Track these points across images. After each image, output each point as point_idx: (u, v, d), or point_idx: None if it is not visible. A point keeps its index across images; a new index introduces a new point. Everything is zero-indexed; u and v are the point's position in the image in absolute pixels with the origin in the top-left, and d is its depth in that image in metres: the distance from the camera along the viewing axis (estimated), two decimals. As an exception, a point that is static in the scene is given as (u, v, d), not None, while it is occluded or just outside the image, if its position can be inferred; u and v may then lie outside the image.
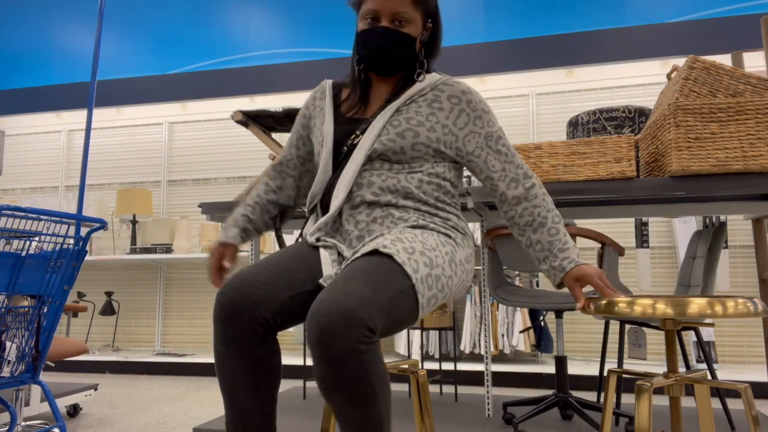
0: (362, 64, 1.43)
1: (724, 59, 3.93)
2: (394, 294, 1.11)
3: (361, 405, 1.05)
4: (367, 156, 1.34)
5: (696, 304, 1.19)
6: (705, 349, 2.34)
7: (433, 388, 3.38)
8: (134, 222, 4.74)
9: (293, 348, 4.64)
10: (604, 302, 1.29)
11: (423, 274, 1.17)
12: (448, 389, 3.48)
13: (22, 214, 1.78)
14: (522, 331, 3.81)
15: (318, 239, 1.35)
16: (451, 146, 1.38)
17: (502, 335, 3.83)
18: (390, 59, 1.39)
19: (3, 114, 5.18)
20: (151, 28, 4.98)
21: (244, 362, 1.18)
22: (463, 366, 3.81)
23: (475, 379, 3.77)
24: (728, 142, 1.91)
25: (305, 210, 1.48)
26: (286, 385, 3.76)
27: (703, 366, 3.62)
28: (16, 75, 5.28)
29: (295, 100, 4.87)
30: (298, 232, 1.50)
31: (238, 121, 2.78)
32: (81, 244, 2.02)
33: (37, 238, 1.89)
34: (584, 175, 2.14)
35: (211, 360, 4.22)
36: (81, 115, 5.33)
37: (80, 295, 4.90)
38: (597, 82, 4.29)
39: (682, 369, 3.63)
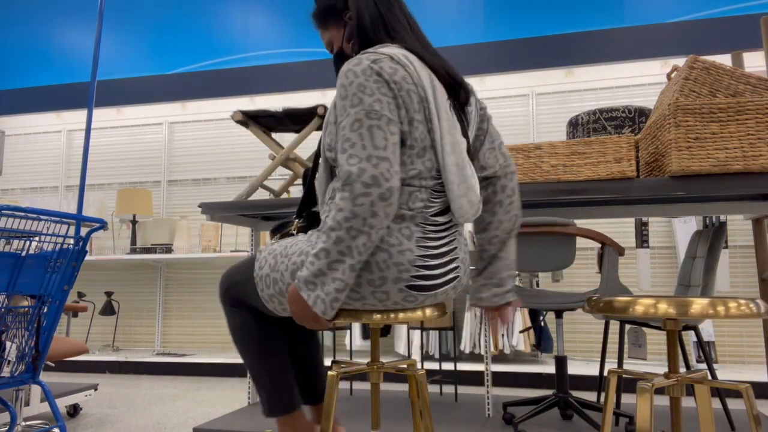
0: None
1: (724, 59, 3.93)
2: (243, 279, 1.43)
3: (236, 347, 1.51)
4: (324, 167, 1.41)
5: (698, 305, 1.19)
6: (705, 349, 2.34)
7: (433, 388, 3.37)
8: (134, 222, 4.73)
9: (293, 348, 4.64)
10: (605, 302, 1.29)
11: (264, 273, 1.36)
12: (448, 389, 3.48)
13: (22, 214, 1.78)
14: (522, 331, 3.81)
15: None
16: (335, 144, 1.32)
17: (502, 335, 3.83)
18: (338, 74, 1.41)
19: (3, 114, 5.18)
20: (151, 28, 4.98)
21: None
22: (463, 366, 3.81)
23: (475, 379, 3.77)
24: (728, 142, 1.91)
25: None
26: (286, 385, 3.75)
27: (703, 366, 3.62)
28: (16, 75, 5.28)
29: (295, 100, 4.86)
30: None
31: (238, 121, 2.78)
32: (81, 244, 2.02)
33: (37, 238, 1.89)
34: (584, 175, 2.14)
35: (212, 360, 4.22)
36: (81, 115, 5.32)
37: (80, 295, 4.90)
38: (597, 82, 4.29)
39: (682, 369, 3.63)
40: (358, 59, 1.26)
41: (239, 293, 1.44)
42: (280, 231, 1.55)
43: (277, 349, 1.49)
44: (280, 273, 1.31)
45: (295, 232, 1.49)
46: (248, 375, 1.52)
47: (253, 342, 1.46)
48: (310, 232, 1.37)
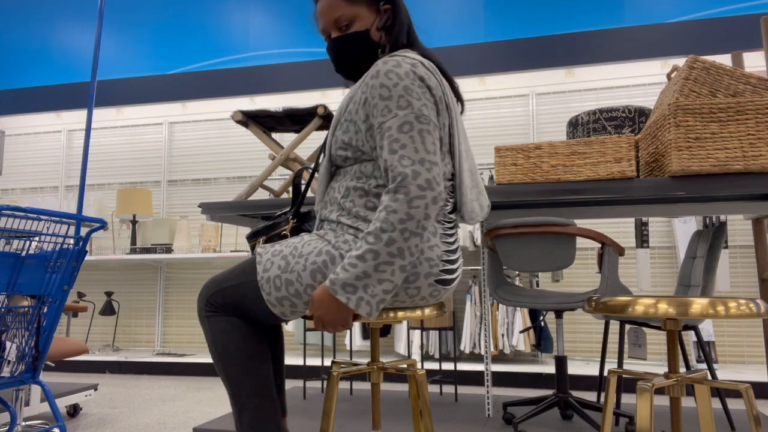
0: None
1: (724, 59, 3.93)
2: (240, 282, 1.34)
3: (215, 362, 1.37)
4: (328, 166, 1.38)
5: (698, 305, 1.19)
6: (705, 349, 2.34)
7: (433, 388, 3.37)
8: (134, 222, 4.73)
9: (293, 348, 4.64)
10: (605, 302, 1.29)
11: (272, 275, 1.29)
12: (448, 389, 3.48)
13: (22, 214, 1.78)
14: (522, 331, 3.81)
15: None
16: (364, 143, 1.30)
17: (502, 335, 3.83)
18: (347, 63, 1.40)
19: (3, 114, 5.18)
20: (151, 28, 4.98)
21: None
22: (463, 366, 3.81)
23: (475, 379, 3.77)
24: (728, 142, 1.91)
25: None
26: (286, 385, 3.76)
27: (703, 366, 3.62)
28: (16, 75, 5.28)
29: (295, 100, 4.86)
30: None
31: (238, 121, 2.78)
32: (81, 244, 2.02)
33: (37, 238, 1.89)
34: (584, 175, 2.14)
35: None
36: (81, 115, 5.32)
37: (80, 295, 4.90)
38: (597, 82, 4.29)
39: (682, 369, 3.63)
40: (397, 61, 1.26)
41: (229, 298, 1.35)
42: (267, 233, 1.49)
43: (265, 359, 1.37)
44: (296, 274, 1.26)
45: (288, 233, 1.46)
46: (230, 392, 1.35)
47: (241, 350, 1.33)
48: (321, 231, 1.33)
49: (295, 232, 1.48)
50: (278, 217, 1.50)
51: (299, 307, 1.29)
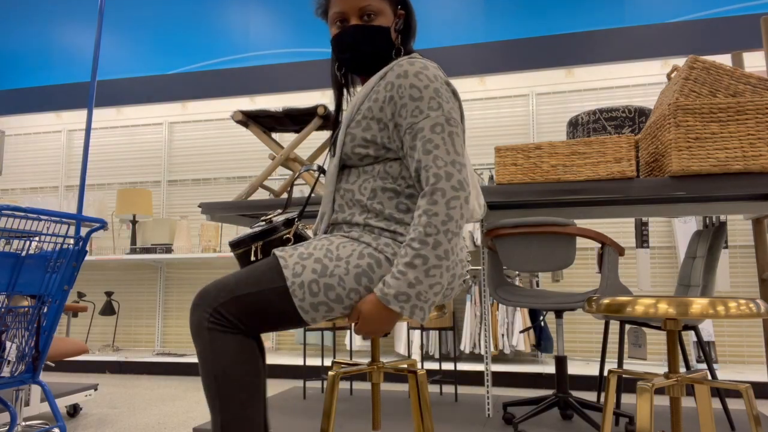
0: (343, 68, 1.42)
1: (724, 59, 3.93)
2: (262, 289, 1.20)
3: (204, 380, 1.19)
4: (338, 166, 1.33)
5: (698, 305, 1.19)
6: (705, 349, 2.34)
7: (433, 388, 3.38)
8: (134, 222, 4.73)
9: (293, 348, 4.64)
10: (605, 302, 1.29)
11: (307, 279, 1.19)
12: (448, 389, 3.48)
13: (22, 214, 1.78)
14: (522, 331, 3.81)
15: None
16: (391, 141, 1.28)
17: (502, 335, 3.83)
18: (365, 56, 1.35)
19: (3, 114, 5.18)
20: (151, 27, 4.98)
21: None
22: (463, 366, 3.81)
23: (475, 379, 3.77)
24: (728, 142, 1.91)
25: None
26: (286, 385, 3.76)
27: (703, 366, 3.62)
28: (16, 75, 5.28)
29: (295, 100, 4.86)
30: None
31: (238, 121, 2.78)
32: (81, 244, 2.02)
33: (37, 238, 1.89)
34: (584, 175, 2.14)
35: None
36: (81, 115, 5.32)
37: (80, 295, 4.90)
38: (597, 82, 4.29)
39: (682, 369, 3.63)
40: (423, 64, 1.26)
41: (249, 307, 1.20)
42: (265, 238, 1.38)
43: (264, 389, 1.26)
44: (338, 278, 1.19)
45: (291, 236, 1.39)
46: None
47: (245, 378, 1.19)
48: (354, 234, 1.26)
49: (297, 237, 1.42)
50: (269, 221, 1.41)
51: (335, 312, 1.22)
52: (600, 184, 2.12)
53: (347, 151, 1.31)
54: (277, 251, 1.24)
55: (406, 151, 1.24)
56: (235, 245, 1.39)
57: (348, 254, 1.21)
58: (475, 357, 4.17)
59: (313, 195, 2.48)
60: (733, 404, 3.15)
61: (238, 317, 1.20)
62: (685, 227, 3.93)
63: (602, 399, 2.60)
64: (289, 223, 1.40)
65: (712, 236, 2.35)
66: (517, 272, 3.96)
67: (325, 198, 1.37)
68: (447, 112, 1.22)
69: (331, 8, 1.36)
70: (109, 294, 4.71)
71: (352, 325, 2.51)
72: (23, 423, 2.38)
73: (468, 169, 1.35)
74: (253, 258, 1.36)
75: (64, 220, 1.93)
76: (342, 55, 1.36)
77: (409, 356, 3.49)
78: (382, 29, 1.34)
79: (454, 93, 1.30)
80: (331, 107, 4.76)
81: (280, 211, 1.48)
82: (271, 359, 4.17)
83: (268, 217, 1.43)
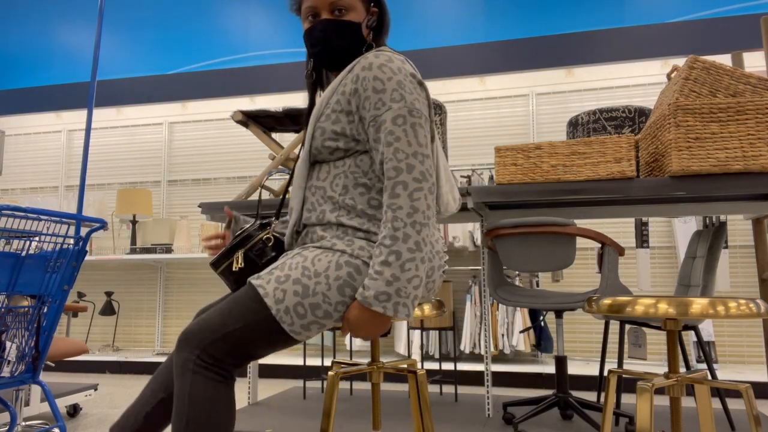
0: (315, 63, 1.42)
1: (724, 59, 3.93)
2: (249, 323, 1.18)
3: (174, 421, 1.14)
4: (308, 161, 1.32)
5: (698, 305, 1.19)
6: (705, 349, 2.34)
7: (433, 388, 3.38)
8: (134, 222, 4.73)
9: (293, 348, 4.64)
10: (605, 302, 1.29)
11: (291, 303, 1.18)
12: (448, 389, 3.48)
13: (22, 214, 1.78)
14: (522, 331, 3.81)
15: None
16: (359, 133, 1.27)
17: (502, 335, 3.83)
18: (336, 50, 1.35)
19: (3, 114, 5.18)
20: (151, 27, 4.98)
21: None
22: (463, 366, 3.81)
23: (475, 379, 3.77)
24: (728, 142, 1.91)
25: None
26: (286, 385, 3.76)
27: (703, 366, 3.62)
28: (16, 75, 5.28)
29: (295, 100, 4.86)
30: None
31: (238, 121, 2.78)
32: (81, 244, 2.02)
33: (37, 238, 1.89)
34: (584, 175, 2.14)
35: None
36: (81, 115, 5.32)
37: (80, 295, 4.90)
38: (597, 82, 4.29)
39: (682, 369, 3.63)
40: (388, 56, 1.26)
41: (236, 343, 1.18)
42: (244, 245, 1.35)
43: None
44: (321, 295, 1.18)
45: (271, 236, 1.37)
46: None
47: (219, 425, 1.15)
48: (326, 243, 1.25)
49: (275, 240, 1.39)
50: (242, 230, 1.38)
51: (328, 325, 1.23)
52: (600, 184, 2.12)
53: (317, 146, 1.30)
54: (253, 279, 1.21)
55: (372, 144, 1.24)
56: (215, 264, 1.37)
57: (325, 267, 1.20)
58: (475, 357, 4.17)
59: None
60: (733, 404, 3.15)
61: (229, 354, 1.18)
62: (685, 227, 3.93)
63: (602, 399, 2.60)
64: (263, 226, 1.39)
65: (712, 236, 2.35)
66: (517, 272, 3.96)
67: (295, 196, 1.35)
68: (410, 103, 1.22)
69: (303, 3, 1.37)
70: (109, 294, 4.71)
71: None
72: (23, 423, 2.39)
73: (437, 160, 1.35)
74: (235, 267, 1.34)
75: (64, 220, 1.93)
76: (313, 49, 1.36)
77: (409, 356, 3.49)
78: (353, 24, 1.34)
79: (420, 83, 1.28)
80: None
81: (256, 222, 1.44)
82: (271, 359, 4.17)
83: (244, 229, 1.39)
